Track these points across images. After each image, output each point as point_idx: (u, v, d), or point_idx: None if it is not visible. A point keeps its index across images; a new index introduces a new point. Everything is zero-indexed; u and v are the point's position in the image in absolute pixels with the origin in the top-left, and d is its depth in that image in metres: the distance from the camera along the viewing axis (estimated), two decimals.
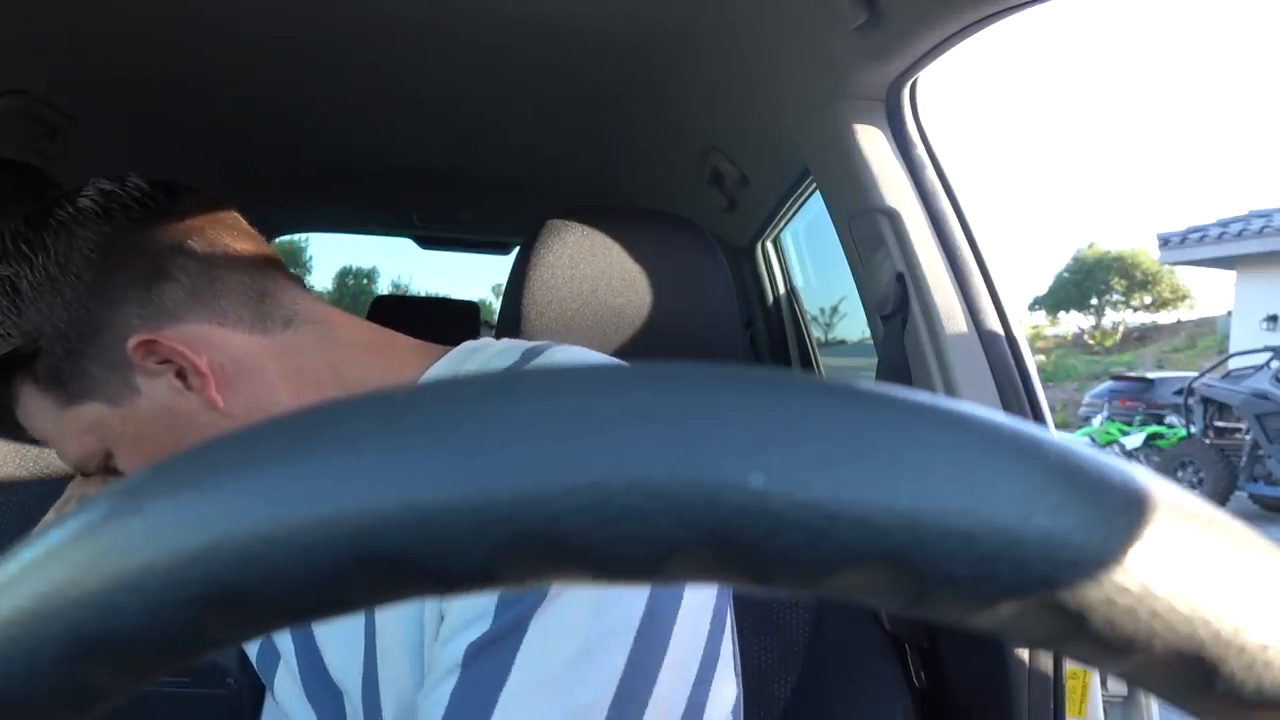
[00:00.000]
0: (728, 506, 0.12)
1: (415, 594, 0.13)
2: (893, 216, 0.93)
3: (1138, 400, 8.17)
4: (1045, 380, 1.31)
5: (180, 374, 0.53)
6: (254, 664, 0.64)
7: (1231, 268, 11.41)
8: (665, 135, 1.55)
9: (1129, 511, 0.13)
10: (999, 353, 0.88)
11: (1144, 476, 0.13)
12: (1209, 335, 16.72)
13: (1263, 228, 10.40)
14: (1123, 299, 20.04)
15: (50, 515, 0.64)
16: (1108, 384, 8.81)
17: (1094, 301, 20.35)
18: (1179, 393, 7.52)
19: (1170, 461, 7.10)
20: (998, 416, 0.13)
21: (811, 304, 1.86)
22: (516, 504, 0.12)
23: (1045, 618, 0.13)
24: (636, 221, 0.92)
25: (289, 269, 0.60)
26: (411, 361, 0.58)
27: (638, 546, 0.12)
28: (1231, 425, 7.06)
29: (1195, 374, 7.56)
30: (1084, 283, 20.36)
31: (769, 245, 1.76)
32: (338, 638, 0.56)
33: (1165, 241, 11.96)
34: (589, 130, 1.61)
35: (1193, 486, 6.75)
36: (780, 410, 0.13)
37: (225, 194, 0.60)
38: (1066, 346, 19.87)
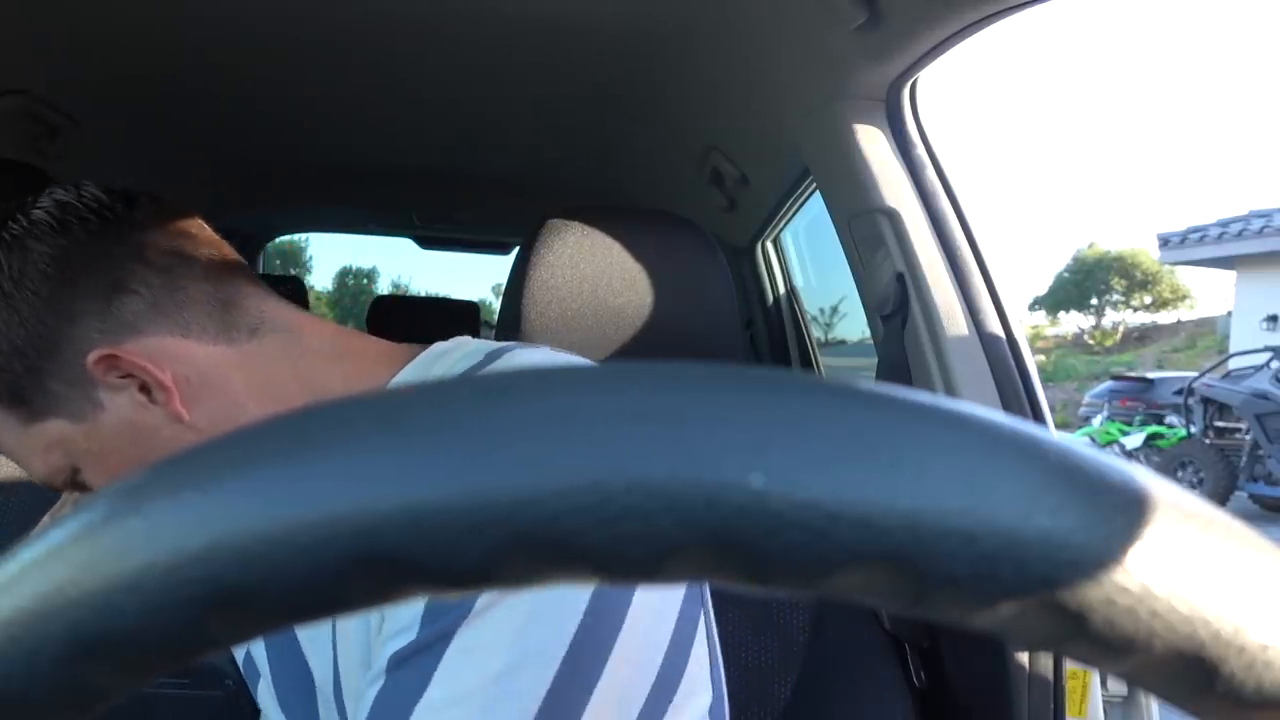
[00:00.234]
0: (728, 506, 0.12)
1: (415, 594, 0.13)
2: (893, 216, 0.93)
3: (1138, 400, 8.17)
4: (1045, 380, 1.31)
5: (144, 388, 0.52)
6: (241, 670, 0.64)
7: (1231, 268, 11.41)
8: (665, 135, 1.55)
9: (1129, 511, 0.13)
10: (999, 353, 0.88)
11: (1144, 476, 0.13)
12: (1209, 335, 16.72)
13: (1263, 228, 10.40)
14: (1123, 299, 20.05)
15: (46, 520, 0.64)
16: (1108, 384, 8.81)
17: (1094, 301, 20.36)
18: (1179, 393, 7.52)
19: (1170, 461, 7.10)
20: (998, 416, 0.13)
21: (811, 304, 1.86)
22: (516, 504, 0.12)
23: (1045, 618, 0.13)
24: (636, 221, 0.92)
25: (255, 274, 0.58)
26: (379, 368, 0.56)
27: (638, 546, 0.12)
28: (1231, 425, 7.06)
29: (1195, 374, 7.56)
30: (1084, 283, 20.37)
31: (769, 245, 1.76)
32: (311, 646, 0.56)
33: (1165, 241, 11.97)
34: (589, 130, 1.61)
35: (1193, 486, 6.75)
36: (780, 410, 0.13)
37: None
38: (1066, 346, 19.87)
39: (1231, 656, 0.13)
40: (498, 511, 0.12)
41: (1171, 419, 7.84)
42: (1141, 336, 19.31)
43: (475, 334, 0.68)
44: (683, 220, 0.93)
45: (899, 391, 0.13)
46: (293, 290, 2.37)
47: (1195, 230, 11.43)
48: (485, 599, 0.42)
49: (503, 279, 1.40)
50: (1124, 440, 7.75)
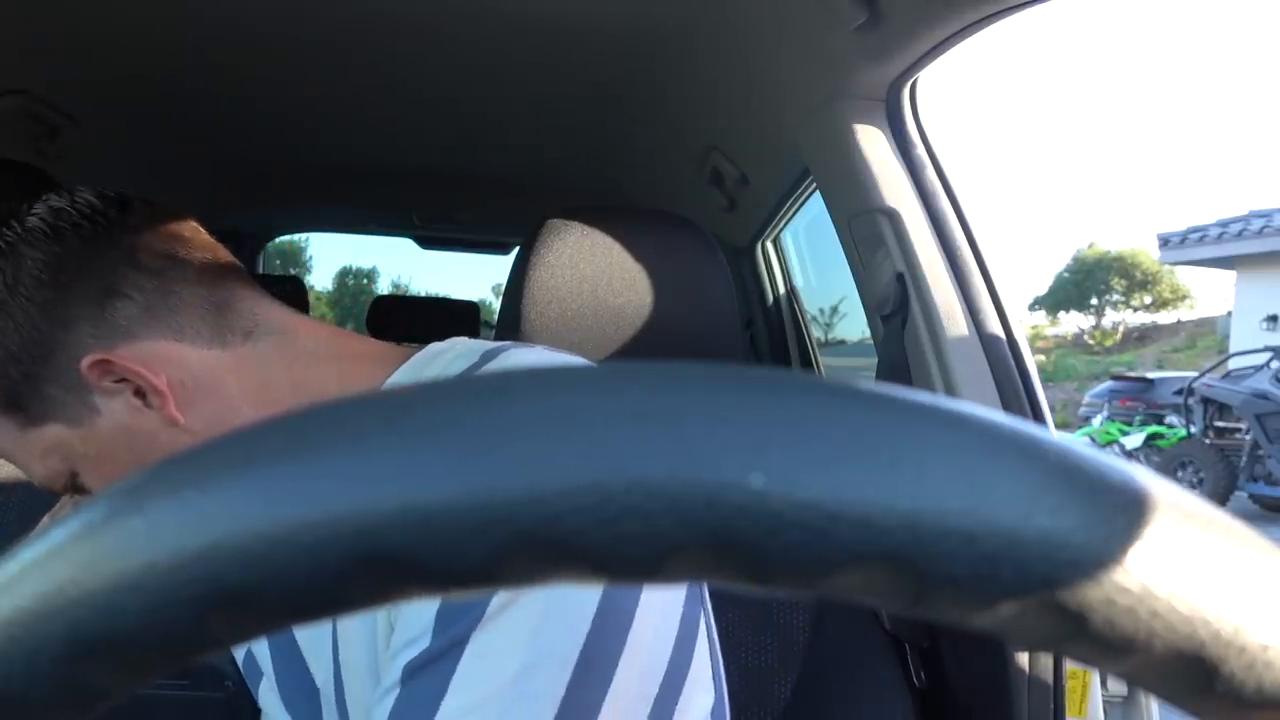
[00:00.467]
0: (728, 506, 0.12)
1: (416, 593, 0.13)
2: (893, 216, 0.93)
3: (1138, 400, 8.17)
4: (1045, 380, 1.31)
5: (139, 392, 0.52)
6: (241, 669, 0.64)
7: (1231, 268, 11.41)
8: (665, 135, 1.55)
9: (1129, 511, 0.13)
10: (999, 353, 0.88)
11: (1144, 476, 0.13)
12: (1209, 335, 16.72)
13: (1263, 228, 10.40)
14: (1123, 299, 20.05)
15: (45, 520, 0.64)
16: (1108, 384, 8.81)
17: (1094, 301, 20.36)
18: (1179, 393, 7.52)
19: (1170, 461, 7.10)
20: (998, 416, 0.13)
21: (811, 304, 1.86)
22: (517, 504, 0.12)
23: (1045, 618, 0.13)
24: (636, 221, 0.92)
25: (250, 277, 0.58)
26: (374, 369, 0.56)
27: (638, 546, 0.12)
28: (1231, 425, 7.06)
29: (1195, 374, 7.56)
30: (1084, 283, 20.37)
31: (769, 245, 1.76)
32: (311, 648, 0.56)
33: (1165, 241, 11.96)
34: (589, 130, 1.61)
35: (1193, 486, 6.75)
36: (780, 410, 0.13)
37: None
38: (1066, 346, 19.87)
39: (1232, 656, 0.13)
40: (500, 511, 0.12)
41: (1171, 419, 7.84)
42: (1141, 336, 19.31)
43: (475, 334, 0.68)
44: (683, 220, 0.93)
45: (899, 391, 0.13)
46: (292, 290, 2.36)
47: (1195, 230, 11.43)
48: (497, 603, 0.41)
49: (503, 279, 1.40)
50: (1124, 440, 7.75)
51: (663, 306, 0.87)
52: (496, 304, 1.88)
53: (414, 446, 0.13)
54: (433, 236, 2.81)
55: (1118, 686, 0.86)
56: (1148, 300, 19.75)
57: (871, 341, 1.06)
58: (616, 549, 0.12)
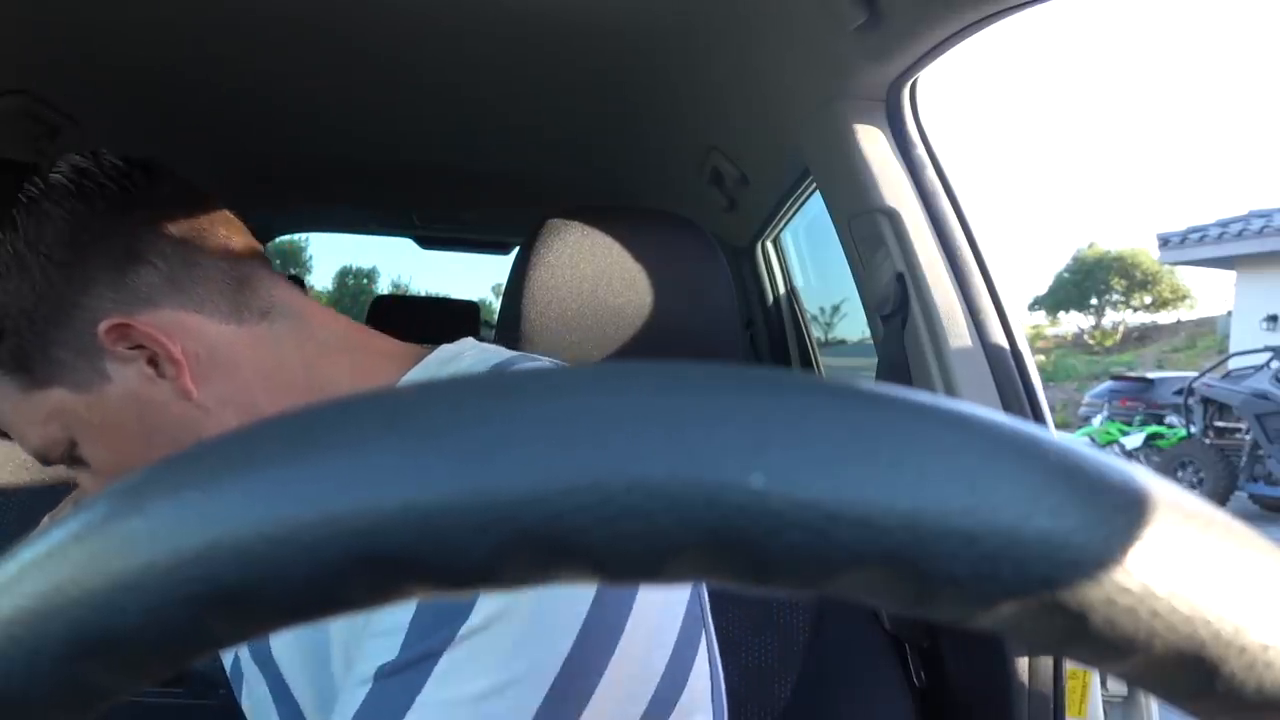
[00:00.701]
0: (728, 506, 0.12)
1: (416, 593, 0.13)
2: (893, 216, 0.93)
3: (1138, 400, 8.16)
4: (1045, 380, 1.31)
5: (152, 361, 0.51)
6: (228, 675, 0.63)
7: (1231, 268, 11.41)
8: (666, 135, 1.55)
9: (1129, 512, 0.13)
10: (999, 353, 0.88)
11: (1144, 476, 0.13)
12: (1209, 335, 16.72)
13: (1263, 228, 10.40)
14: (1123, 299, 20.04)
15: (46, 521, 0.64)
16: (1108, 384, 8.81)
17: (1094, 301, 20.36)
18: (1179, 393, 7.52)
19: (1170, 461, 7.10)
20: (998, 417, 0.13)
21: (811, 304, 1.86)
22: (518, 503, 0.12)
23: (1046, 618, 0.13)
24: (636, 221, 0.92)
25: (267, 259, 0.58)
26: (387, 365, 0.56)
27: (639, 546, 0.12)
28: (1231, 425, 7.06)
29: (1195, 374, 7.56)
30: (1084, 283, 20.36)
31: (769, 245, 1.76)
32: (293, 653, 0.56)
33: (1165, 241, 11.96)
34: (590, 130, 1.61)
35: (1193, 486, 6.75)
36: (780, 410, 0.13)
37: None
38: (1066, 346, 19.87)
39: (1232, 656, 0.13)
40: (500, 510, 0.12)
41: (1171, 419, 7.84)
42: (1141, 336, 19.31)
43: (475, 334, 0.67)
44: (683, 220, 0.93)
45: (899, 391, 0.13)
46: None
47: (1195, 230, 11.43)
48: (476, 620, 0.41)
49: (503, 279, 1.40)
50: (1124, 440, 7.75)
51: (663, 306, 0.87)
52: (496, 304, 1.88)
53: (415, 447, 0.13)
54: (433, 236, 2.81)
55: (1118, 687, 0.86)
56: (1148, 300, 19.75)
57: (871, 341, 1.06)
58: (617, 548, 0.12)
